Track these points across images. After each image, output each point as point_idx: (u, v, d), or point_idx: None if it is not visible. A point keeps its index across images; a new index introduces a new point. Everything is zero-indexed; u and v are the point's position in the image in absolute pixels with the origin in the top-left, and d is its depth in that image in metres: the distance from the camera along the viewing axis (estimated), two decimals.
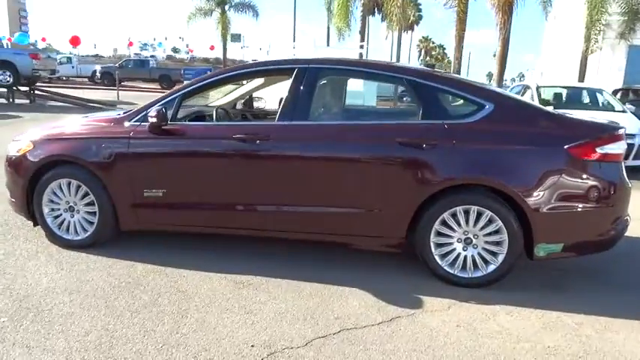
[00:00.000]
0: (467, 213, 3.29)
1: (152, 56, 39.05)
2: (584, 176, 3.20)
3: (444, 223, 3.33)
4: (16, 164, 3.93)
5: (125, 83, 28.95)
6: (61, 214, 3.90)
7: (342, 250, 3.82)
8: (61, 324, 2.74)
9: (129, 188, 3.70)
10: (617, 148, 3.26)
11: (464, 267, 3.37)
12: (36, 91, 16.44)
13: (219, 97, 4.75)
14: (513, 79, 64.82)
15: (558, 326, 2.93)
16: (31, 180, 3.86)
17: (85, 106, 15.73)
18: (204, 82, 3.77)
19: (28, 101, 15.97)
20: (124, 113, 3.93)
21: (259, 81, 4.51)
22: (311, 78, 3.53)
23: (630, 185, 3.39)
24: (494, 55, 15.54)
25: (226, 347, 2.59)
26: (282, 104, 3.55)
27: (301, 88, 3.51)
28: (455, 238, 3.36)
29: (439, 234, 3.36)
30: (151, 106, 3.72)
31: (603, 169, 3.22)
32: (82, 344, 2.56)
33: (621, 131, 3.34)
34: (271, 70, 3.80)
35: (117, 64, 29.95)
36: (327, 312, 2.99)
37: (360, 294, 3.24)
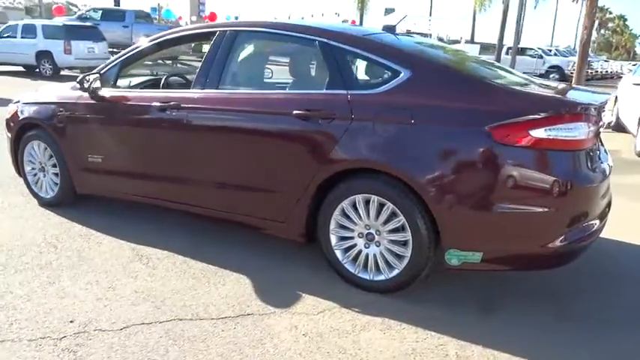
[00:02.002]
0: (368, 203, 2.72)
1: None
2: (511, 167, 2.41)
3: (344, 213, 2.81)
4: (7, 125, 4.30)
5: None
6: (36, 173, 4.18)
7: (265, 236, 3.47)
8: None
9: (77, 153, 3.81)
10: (567, 132, 2.38)
11: (366, 267, 2.82)
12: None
13: None
14: None
15: (429, 357, 2.29)
16: (16, 140, 4.20)
17: None
18: (139, 49, 3.66)
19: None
20: None
21: None
22: (226, 43, 3.19)
23: (600, 182, 2.48)
24: None
25: (48, 317, 2.52)
26: (197, 71, 3.29)
27: (216, 54, 3.20)
28: (356, 232, 2.82)
29: (341, 226, 2.85)
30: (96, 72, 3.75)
31: (542, 158, 2.38)
32: None
33: (579, 109, 2.43)
34: (197, 35, 3.52)
35: None
36: (186, 297, 2.75)
37: (240, 282, 2.92)
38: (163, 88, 3.51)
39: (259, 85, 3.20)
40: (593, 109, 2.51)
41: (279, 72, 3.27)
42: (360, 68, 2.85)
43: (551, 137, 2.36)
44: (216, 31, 3.28)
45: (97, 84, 3.55)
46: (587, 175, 2.45)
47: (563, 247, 2.45)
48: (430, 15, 22.08)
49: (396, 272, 2.72)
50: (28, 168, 4.21)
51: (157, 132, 3.37)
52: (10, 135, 4.25)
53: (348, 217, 2.80)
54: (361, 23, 32.18)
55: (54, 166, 4.01)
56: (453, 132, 2.49)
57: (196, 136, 3.21)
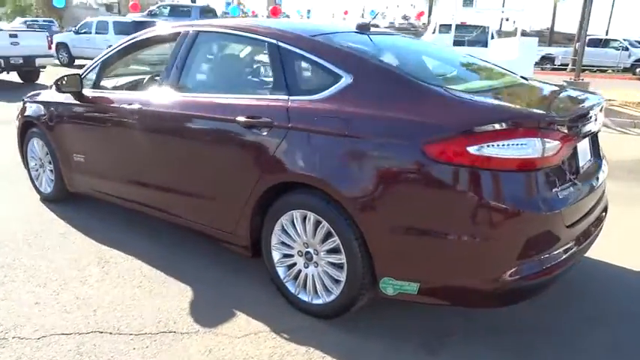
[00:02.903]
0: (304, 220, 2.50)
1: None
2: (447, 189, 2.08)
3: (284, 229, 2.60)
4: (18, 121, 4.47)
5: None
6: (38, 169, 4.32)
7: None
8: None
9: (65, 151, 3.87)
10: (515, 149, 2.01)
11: (305, 288, 2.59)
12: None
13: None
14: None
15: None
16: (21, 136, 4.36)
17: None
18: (115, 50, 3.62)
19: None
20: None
21: None
22: (185, 44, 3.05)
23: (574, 201, 2.10)
24: None
25: None
26: (161, 73, 3.19)
27: (177, 55, 3.08)
28: (295, 250, 2.59)
29: (282, 242, 2.64)
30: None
31: (482, 180, 2.03)
32: None
33: (533, 123, 2.04)
34: (165, 36, 3.39)
35: None
36: (120, 307, 2.67)
37: (183, 294, 2.80)
38: (142, 88, 3.43)
39: (212, 88, 3.03)
40: (561, 122, 2.11)
41: (235, 74, 3.09)
42: (307, 72, 2.60)
43: (493, 155, 2.00)
44: (179, 32, 3.16)
45: (76, 84, 3.56)
46: (544, 200, 2.06)
47: (513, 282, 2.09)
48: (503, 6, 20.74)
49: (333, 297, 2.47)
50: (32, 163, 4.36)
51: (122, 134, 3.32)
52: (17, 131, 4.41)
53: (288, 233, 2.59)
54: (429, 15, 31.05)
55: (50, 162, 4.11)
56: (386, 146, 2.19)
57: (154, 140, 3.11)
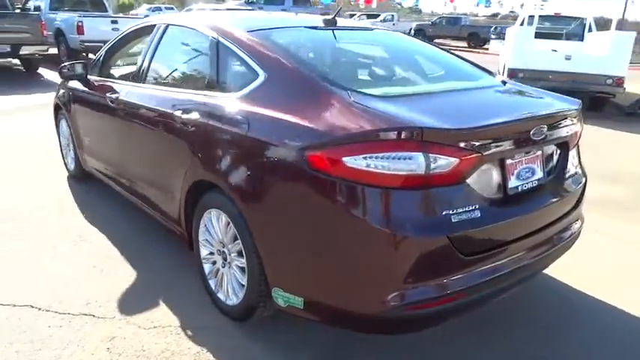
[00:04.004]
0: (219, 220, 2.46)
1: (464, 14, 37.74)
2: (324, 201, 1.92)
3: (206, 226, 2.59)
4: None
5: (436, 41, 29.33)
6: (65, 148, 4.71)
7: None
8: None
9: (78, 133, 4.18)
10: (395, 163, 1.79)
11: (222, 287, 2.57)
12: None
13: None
14: None
15: None
16: (55, 117, 4.77)
17: None
18: (116, 39, 3.81)
19: None
20: None
21: None
22: (154, 37, 3.15)
23: (456, 234, 1.85)
24: None
25: None
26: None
27: (148, 47, 3.18)
28: (215, 248, 2.57)
29: (206, 239, 2.63)
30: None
31: (359, 194, 1.84)
32: None
33: (415, 135, 1.80)
34: (145, 29, 3.44)
35: (431, 22, 30.41)
36: (67, 285, 2.82)
37: (127, 279, 2.91)
38: (124, 78, 3.58)
39: (165, 81, 3.07)
40: (465, 135, 1.86)
41: (183, 69, 3.09)
42: (236, 69, 2.52)
43: (370, 170, 1.81)
44: (154, 25, 3.25)
45: (80, 71, 3.80)
46: (427, 223, 1.82)
47: (393, 309, 1.88)
48: None
49: (238, 300, 2.42)
50: (64, 142, 4.75)
51: (107, 119, 3.49)
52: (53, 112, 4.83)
53: (209, 231, 2.57)
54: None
55: (73, 142, 4.46)
56: (277, 150, 2.07)
57: (123, 128, 3.25)
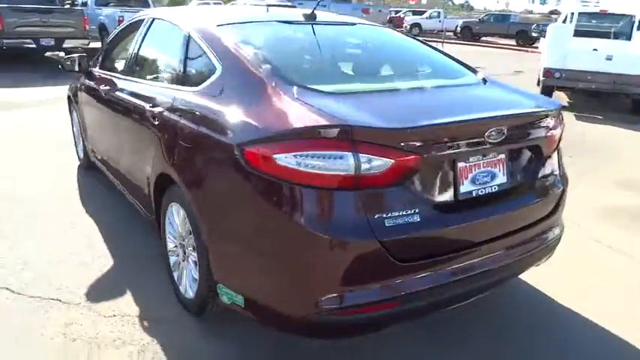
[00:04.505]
0: (178, 214, 2.47)
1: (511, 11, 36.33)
2: (257, 199, 1.89)
3: (170, 219, 2.60)
4: None
5: (484, 38, 28.52)
6: (76, 138, 4.88)
7: None
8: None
9: (84, 124, 4.31)
10: (325, 162, 1.73)
11: (182, 280, 2.57)
12: None
13: None
14: None
15: None
16: (69, 109, 4.94)
17: None
18: (114, 33, 3.89)
19: None
20: None
21: None
22: (140, 31, 3.20)
23: (390, 239, 1.77)
24: None
25: None
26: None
27: (135, 42, 3.24)
28: (177, 241, 2.58)
29: (170, 232, 2.65)
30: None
31: (288, 193, 1.79)
32: None
33: (343, 135, 1.72)
34: (137, 22, 3.48)
35: (478, 19, 29.56)
36: (49, 267, 2.92)
37: (104, 265, 2.99)
38: (115, 70, 3.65)
39: (144, 74, 3.09)
40: (404, 136, 1.77)
41: (159, 62, 3.11)
42: (200, 63, 2.50)
43: (300, 168, 1.75)
44: (143, 19, 3.30)
45: (83, 64, 3.92)
46: (356, 226, 1.75)
47: (325, 313, 1.82)
48: None
49: (193, 295, 2.42)
50: (76, 132, 4.91)
51: (102, 112, 3.57)
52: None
53: (172, 224, 2.59)
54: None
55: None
56: (222, 147, 2.04)
57: (112, 119, 3.32)
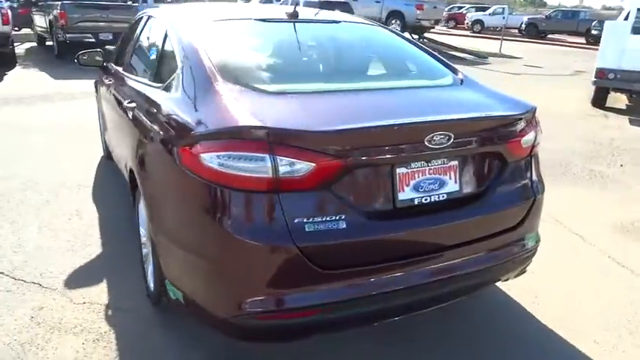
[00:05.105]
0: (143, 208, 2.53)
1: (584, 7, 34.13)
2: (187, 198, 1.90)
3: (139, 213, 2.67)
4: None
5: (551, 36, 27.18)
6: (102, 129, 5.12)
7: None
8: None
9: (103, 118, 4.51)
10: (246, 164, 1.70)
11: (147, 272, 2.64)
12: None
13: None
14: None
15: None
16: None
17: (451, 56, 16.05)
18: (126, 30, 4.02)
19: None
20: None
21: None
22: (139, 29, 3.30)
23: (310, 244, 1.72)
24: None
25: None
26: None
27: (133, 38, 3.35)
28: (146, 235, 2.64)
29: (140, 225, 2.72)
30: None
31: (211, 194, 1.78)
32: None
33: (260, 137, 1.68)
34: (139, 20, 3.57)
35: (544, 15, 28.14)
36: (37, 253, 3.08)
37: (88, 252, 3.12)
38: (120, 65, 3.77)
39: (134, 70, 3.18)
40: (327, 139, 1.72)
41: (145, 59, 3.17)
42: (172, 60, 2.52)
43: (222, 169, 1.74)
44: (142, 17, 3.40)
45: (96, 58, 4.09)
46: (273, 230, 1.71)
47: (247, 316, 1.80)
48: None
49: (153, 287, 2.48)
50: (101, 124, 5.15)
51: (109, 105, 3.72)
52: None
53: (140, 218, 2.65)
54: None
55: None
56: (165, 144, 2.08)
57: (113, 113, 3.45)
